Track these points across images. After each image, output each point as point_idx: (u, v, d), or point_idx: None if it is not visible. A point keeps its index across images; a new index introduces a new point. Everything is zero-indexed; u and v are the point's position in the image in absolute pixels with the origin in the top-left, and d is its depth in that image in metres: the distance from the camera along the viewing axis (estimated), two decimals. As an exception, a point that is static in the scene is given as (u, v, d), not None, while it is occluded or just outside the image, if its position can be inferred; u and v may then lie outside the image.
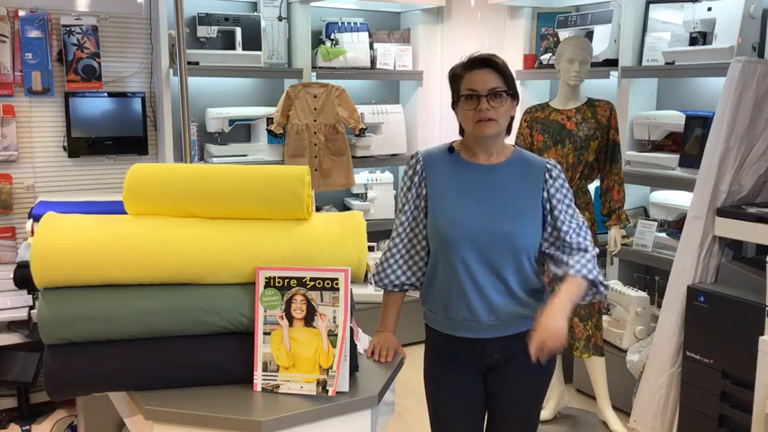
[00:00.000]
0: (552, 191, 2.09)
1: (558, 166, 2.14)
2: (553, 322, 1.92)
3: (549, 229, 2.10)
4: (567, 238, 2.07)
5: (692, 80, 3.91)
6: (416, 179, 2.12)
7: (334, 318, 1.84)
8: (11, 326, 3.21)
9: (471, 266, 2.03)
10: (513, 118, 2.10)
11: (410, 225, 2.15)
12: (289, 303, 1.84)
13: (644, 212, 4.10)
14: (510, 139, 2.22)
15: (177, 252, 1.85)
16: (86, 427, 2.82)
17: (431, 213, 2.10)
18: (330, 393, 1.81)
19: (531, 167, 2.11)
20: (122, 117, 3.96)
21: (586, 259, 2.06)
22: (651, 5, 3.90)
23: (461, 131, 2.14)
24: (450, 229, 2.03)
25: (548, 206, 2.09)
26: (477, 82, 2.01)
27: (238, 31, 4.31)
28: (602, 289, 2.07)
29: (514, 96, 2.07)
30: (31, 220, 2.33)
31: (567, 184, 2.12)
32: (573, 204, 2.12)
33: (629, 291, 3.72)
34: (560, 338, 1.91)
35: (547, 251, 2.12)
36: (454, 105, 2.10)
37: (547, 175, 2.09)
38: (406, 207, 2.15)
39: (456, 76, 2.07)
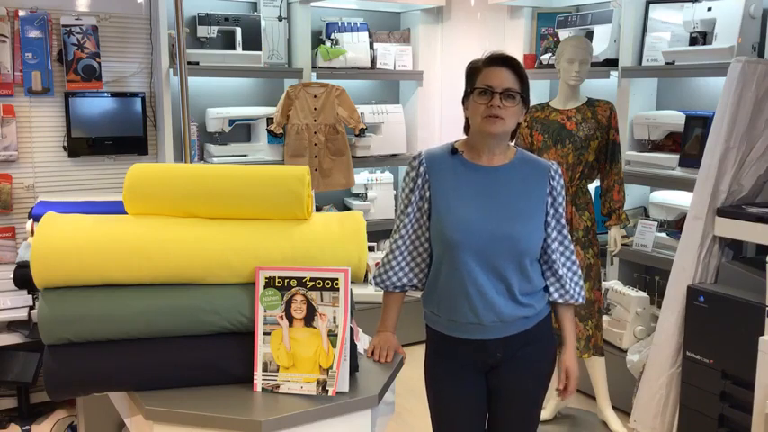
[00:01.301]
0: (554, 194, 2.11)
1: (560, 170, 2.14)
2: (577, 368, 2.27)
3: (549, 233, 2.12)
4: (554, 256, 2.13)
5: (692, 80, 3.91)
6: (420, 181, 2.12)
7: (334, 318, 1.84)
8: (11, 326, 3.21)
9: (475, 269, 2.02)
10: (519, 124, 2.11)
11: (413, 227, 2.15)
12: (289, 303, 1.84)
13: (644, 212, 4.10)
14: (510, 140, 2.22)
15: (177, 252, 1.85)
16: (86, 427, 2.82)
17: (434, 215, 2.09)
18: (330, 393, 1.81)
19: (534, 169, 2.12)
20: (122, 117, 3.96)
21: (575, 281, 2.18)
22: (651, 5, 3.90)
23: (466, 129, 2.15)
24: (453, 232, 2.03)
25: (551, 211, 2.10)
26: (495, 78, 2.01)
27: (238, 31, 4.31)
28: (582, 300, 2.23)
29: (526, 101, 2.07)
30: (31, 220, 2.33)
31: (563, 190, 2.15)
32: (561, 215, 2.15)
33: (629, 291, 3.72)
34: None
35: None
36: (465, 99, 2.10)
37: (551, 181, 2.10)
38: (409, 209, 2.14)
39: (474, 70, 2.08)
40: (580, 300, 2.18)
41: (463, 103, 2.11)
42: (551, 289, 2.16)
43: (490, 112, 2.01)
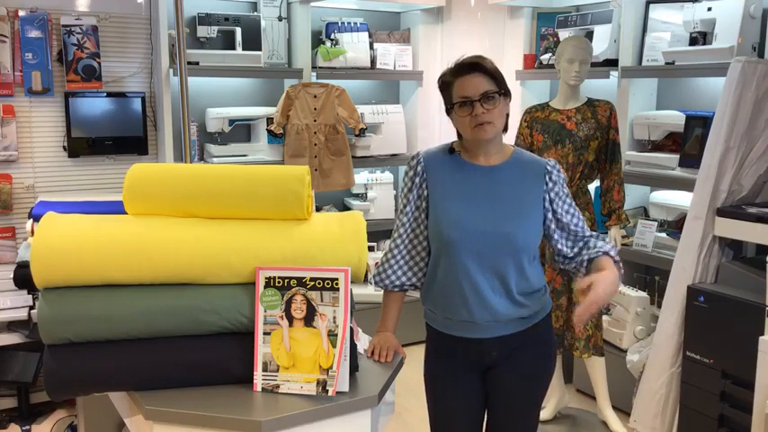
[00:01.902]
0: (552, 195, 2.11)
1: (558, 165, 2.14)
2: (607, 290, 1.90)
3: (552, 226, 2.11)
4: (580, 231, 2.11)
5: (692, 80, 3.91)
6: (417, 180, 2.13)
7: (334, 318, 1.84)
8: (11, 326, 3.21)
9: (471, 268, 2.03)
10: (508, 115, 2.10)
11: (411, 226, 2.15)
12: (289, 303, 1.84)
13: (644, 212, 4.10)
14: (510, 139, 2.22)
15: (177, 252, 1.85)
16: (86, 427, 2.82)
17: (431, 214, 2.10)
18: (330, 393, 1.81)
19: (531, 168, 2.12)
20: (122, 117, 3.96)
21: (606, 241, 2.09)
22: (651, 5, 3.90)
23: (459, 136, 2.15)
24: (450, 230, 2.04)
25: (550, 206, 2.10)
26: (468, 88, 2.01)
27: (238, 31, 4.31)
28: (621, 270, 2.06)
29: (507, 94, 2.07)
30: (31, 220, 2.33)
31: (565, 183, 2.14)
32: (571, 199, 2.14)
33: (629, 291, 3.72)
34: (602, 301, 1.91)
35: (557, 245, 2.12)
36: (449, 112, 2.10)
37: (547, 177, 2.10)
38: (407, 208, 2.15)
39: (446, 84, 2.08)
40: (614, 252, 2.08)
41: (448, 115, 2.12)
42: (594, 245, 2.06)
43: (477, 121, 2.01)
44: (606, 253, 2.05)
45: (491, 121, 2.01)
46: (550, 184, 2.10)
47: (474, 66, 2.03)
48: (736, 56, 3.14)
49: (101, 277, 1.83)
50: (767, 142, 3.05)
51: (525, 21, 4.66)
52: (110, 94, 3.93)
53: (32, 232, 2.24)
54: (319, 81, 4.49)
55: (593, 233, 2.13)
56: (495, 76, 2.04)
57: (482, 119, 2.00)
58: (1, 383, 3.49)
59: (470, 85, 2.01)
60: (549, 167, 2.12)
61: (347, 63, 4.67)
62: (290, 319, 1.85)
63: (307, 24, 4.50)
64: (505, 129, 2.13)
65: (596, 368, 3.47)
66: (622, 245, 3.54)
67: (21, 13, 3.67)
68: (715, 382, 2.93)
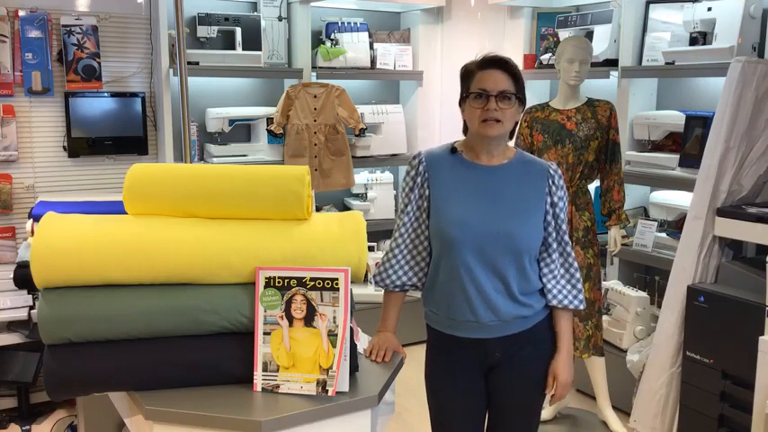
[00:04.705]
0: (555, 199, 2.10)
1: (560, 171, 2.14)
2: (569, 375, 2.15)
3: (549, 229, 2.11)
4: (551, 257, 2.12)
5: (692, 80, 3.91)
6: (419, 180, 2.12)
7: (334, 318, 1.84)
8: (11, 326, 3.21)
9: (474, 267, 2.03)
10: (517, 123, 2.11)
11: (412, 226, 2.15)
12: (289, 303, 1.84)
13: (644, 212, 4.10)
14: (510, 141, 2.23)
15: (177, 252, 1.84)
16: (86, 427, 2.82)
17: (433, 214, 2.10)
18: (330, 393, 1.81)
19: (533, 170, 2.12)
20: (122, 117, 3.96)
21: (572, 285, 2.14)
22: (651, 5, 3.90)
23: (465, 130, 2.15)
24: (452, 230, 2.03)
25: (550, 210, 2.10)
26: (489, 81, 2.02)
27: (238, 31, 4.31)
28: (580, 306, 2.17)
29: (522, 101, 2.07)
30: (31, 220, 2.33)
31: (565, 192, 2.14)
32: (562, 213, 2.14)
33: (629, 291, 3.72)
34: (570, 385, 2.18)
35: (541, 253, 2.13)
36: (461, 102, 2.10)
37: (550, 181, 2.10)
38: (408, 208, 2.14)
39: (468, 73, 2.08)
40: (575, 304, 2.14)
41: (460, 105, 2.12)
42: (544, 290, 2.13)
43: (487, 116, 2.01)
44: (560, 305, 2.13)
45: (501, 120, 2.02)
46: (554, 188, 2.10)
47: (500, 63, 2.05)
48: (736, 56, 3.14)
49: (101, 277, 1.83)
50: (767, 142, 3.05)
51: (525, 21, 4.66)
52: (110, 94, 3.93)
53: (32, 232, 2.24)
54: (319, 81, 4.49)
55: (573, 268, 2.15)
56: (517, 80, 2.05)
57: (493, 115, 2.01)
58: (1, 383, 3.49)
59: (492, 79, 2.02)
60: (551, 171, 2.11)
61: (347, 63, 4.67)
62: (290, 319, 1.85)
63: (307, 24, 4.50)
64: (511, 134, 2.13)
65: (596, 368, 3.47)
66: (622, 245, 3.54)
67: (21, 13, 3.67)
68: (715, 382, 2.93)
